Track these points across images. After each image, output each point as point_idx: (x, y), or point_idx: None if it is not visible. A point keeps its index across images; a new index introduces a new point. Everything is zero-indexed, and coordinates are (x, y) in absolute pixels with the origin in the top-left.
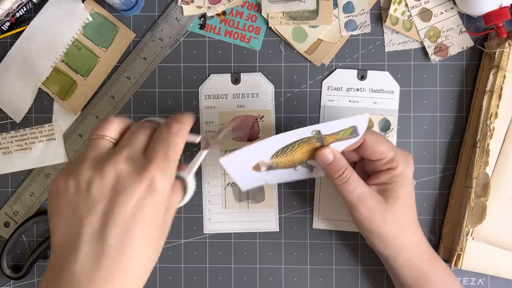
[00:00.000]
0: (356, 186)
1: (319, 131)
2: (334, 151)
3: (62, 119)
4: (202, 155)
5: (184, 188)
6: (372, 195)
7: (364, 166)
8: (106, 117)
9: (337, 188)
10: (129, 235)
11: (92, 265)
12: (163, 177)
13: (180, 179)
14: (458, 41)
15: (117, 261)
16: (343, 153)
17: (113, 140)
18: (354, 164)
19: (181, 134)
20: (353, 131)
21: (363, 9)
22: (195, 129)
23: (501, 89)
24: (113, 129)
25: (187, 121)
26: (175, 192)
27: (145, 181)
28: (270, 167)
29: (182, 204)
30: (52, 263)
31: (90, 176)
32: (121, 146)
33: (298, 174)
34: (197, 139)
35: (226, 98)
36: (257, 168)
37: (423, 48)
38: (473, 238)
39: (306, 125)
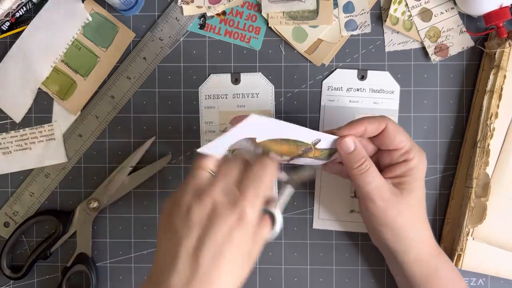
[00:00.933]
0: (374, 177)
1: (317, 141)
2: (355, 140)
3: (62, 119)
4: (288, 192)
5: (273, 221)
6: (388, 187)
7: (379, 159)
8: (208, 155)
9: (354, 178)
10: (219, 258)
11: (187, 279)
12: (252, 211)
13: (268, 214)
14: (458, 41)
15: (208, 278)
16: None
17: (212, 172)
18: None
19: (271, 170)
20: (329, 156)
21: (363, 9)
22: (194, 129)
23: (501, 89)
24: (211, 162)
25: (275, 162)
26: (264, 225)
27: (236, 213)
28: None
29: (271, 238)
30: (153, 273)
31: (190, 203)
32: (217, 179)
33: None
34: (283, 177)
35: (226, 98)
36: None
37: (423, 48)
38: (473, 238)
39: (306, 126)
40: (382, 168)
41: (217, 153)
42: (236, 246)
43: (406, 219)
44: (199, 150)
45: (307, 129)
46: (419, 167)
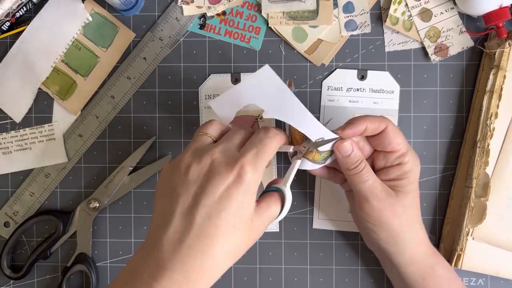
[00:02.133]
0: (369, 177)
1: (320, 140)
2: (353, 143)
3: (62, 119)
4: (295, 165)
5: (282, 201)
6: (383, 188)
7: (374, 161)
8: (210, 120)
9: (350, 178)
10: (213, 217)
11: (178, 238)
12: (252, 171)
13: (278, 192)
14: (458, 41)
15: (200, 238)
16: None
17: (213, 138)
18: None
19: (276, 138)
20: (325, 159)
21: (363, 9)
22: (194, 129)
23: (501, 89)
24: (214, 129)
25: (284, 133)
26: (272, 203)
27: (235, 171)
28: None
29: (281, 217)
30: (148, 235)
31: (190, 162)
32: (219, 142)
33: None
34: (290, 148)
35: None
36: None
37: (423, 48)
38: (473, 238)
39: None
40: (377, 171)
41: (227, 111)
42: (235, 207)
43: (400, 221)
44: (210, 102)
45: (315, 120)
46: (413, 170)
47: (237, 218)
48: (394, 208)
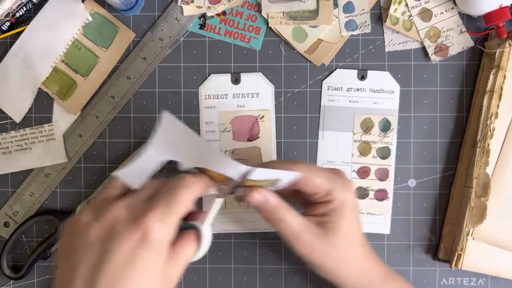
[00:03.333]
0: (290, 223)
1: (245, 175)
2: (265, 193)
3: (62, 119)
4: (218, 204)
5: (199, 240)
6: (309, 230)
7: (302, 195)
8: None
9: (271, 223)
10: (119, 284)
11: None
12: (160, 227)
13: (195, 231)
14: (458, 41)
15: None
16: None
17: (121, 191)
18: (292, 193)
19: (192, 188)
20: (276, 183)
21: (363, 9)
22: (194, 129)
23: (501, 89)
24: (125, 181)
25: (204, 181)
26: (188, 247)
27: (140, 229)
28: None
29: (196, 258)
30: None
31: (89, 219)
32: (125, 196)
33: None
34: (211, 191)
35: (226, 98)
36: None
37: (423, 48)
38: (473, 238)
39: (306, 126)
40: (307, 205)
41: (137, 179)
42: (142, 270)
43: (334, 260)
44: (114, 174)
45: (231, 161)
46: (343, 205)
47: (146, 279)
48: (324, 249)
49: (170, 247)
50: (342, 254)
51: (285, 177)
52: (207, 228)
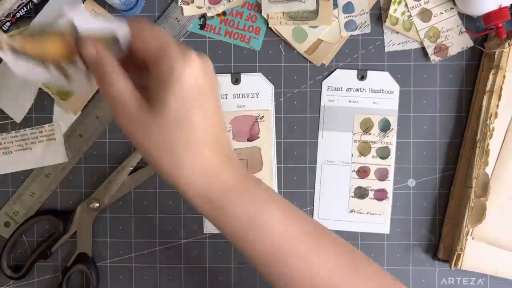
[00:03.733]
0: (116, 87)
1: (72, 23)
2: (98, 45)
3: (62, 119)
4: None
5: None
6: (135, 100)
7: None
8: None
9: (98, 87)
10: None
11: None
12: None
13: None
14: (458, 41)
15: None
16: None
17: None
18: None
19: None
20: (112, 44)
21: (363, 10)
22: None
23: (501, 89)
24: None
25: None
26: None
27: None
28: (15, 50)
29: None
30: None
31: None
32: None
33: (51, 78)
34: None
35: (226, 98)
36: None
37: (423, 48)
38: (473, 238)
39: (306, 126)
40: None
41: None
42: None
43: (160, 142)
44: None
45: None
46: (177, 76)
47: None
48: (148, 125)
49: None
50: (170, 139)
51: (115, 29)
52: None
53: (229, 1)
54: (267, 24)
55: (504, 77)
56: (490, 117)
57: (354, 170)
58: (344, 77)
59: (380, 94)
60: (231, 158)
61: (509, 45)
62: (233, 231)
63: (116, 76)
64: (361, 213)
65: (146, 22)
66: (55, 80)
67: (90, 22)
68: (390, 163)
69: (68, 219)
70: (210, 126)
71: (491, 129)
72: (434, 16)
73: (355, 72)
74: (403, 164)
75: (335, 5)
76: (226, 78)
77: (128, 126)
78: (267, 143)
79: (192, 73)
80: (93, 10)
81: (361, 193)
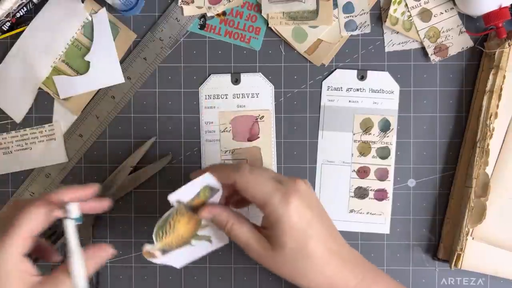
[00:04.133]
0: (240, 235)
1: (179, 201)
2: (211, 209)
3: (62, 119)
4: (67, 229)
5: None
6: (259, 242)
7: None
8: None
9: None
10: None
11: None
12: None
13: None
14: (458, 41)
15: None
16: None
17: None
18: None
19: (31, 213)
20: (212, 189)
21: (363, 9)
22: (194, 129)
23: (501, 89)
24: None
25: (44, 199)
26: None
27: None
28: (164, 250)
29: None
30: None
31: None
32: None
33: (199, 249)
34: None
35: (226, 98)
36: (150, 255)
37: (423, 48)
38: (473, 238)
39: (306, 126)
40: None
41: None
42: None
43: (288, 274)
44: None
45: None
46: (283, 220)
47: None
48: (275, 260)
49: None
50: (295, 270)
51: (206, 181)
52: (76, 266)
53: (229, 1)
54: (267, 24)
55: (504, 77)
56: (490, 117)
57: (354, 170)
58: (344, 77)
59: (380, 94)
60: (351, 262)
61: (509, 45)
62: None
63: (237, 228)
64: (361, 213)
65: (243, 167)
66: (203, 247)
67: (187, 191)
68: (390, 163)
69: None
70: (326, 243)
71: (491, 129)
72: (434, 16)
73: (355, 72)
74: (403, 164)
75: (335, 5)
76: (226, 78)
77: (259, 260)
78: (267, 143)
79: (295, 211)
80: (92, 9)
81: (361, 193)
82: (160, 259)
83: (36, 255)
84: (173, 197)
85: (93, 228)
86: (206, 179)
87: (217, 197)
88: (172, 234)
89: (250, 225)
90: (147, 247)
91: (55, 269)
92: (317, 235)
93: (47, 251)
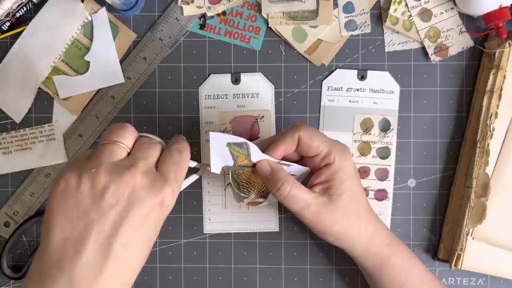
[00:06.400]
0: (297, 198)
1: (224, 167)
2: (271, 163)
3: (62, 119)
4: (193, 178)
5: None
6: (315, 201)
7: (305, 164)
8: (123, 125)
9: (278, 199)
10: (132, 246)
11: (94, 271)
12: (173, 196)
13: None
14: (458, 41)
15: (118, 269)
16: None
17: (128, 150)
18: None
19: (187, 160)
20: (238, 144)
21: (363, 9)
22: (194, 129)
23: (501, 89)
24: (129, 138)
25: (188, 147)
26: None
27: (159, 197)
28: (259, 196)
29: None
30: (43, 260)
31: (107, 181)
32: (137, 159)
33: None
34: (193, 164)
35: (226, 98)
36: (254, 204)
37: (423, 48)
38: (473, 238)
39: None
40: (313, 171)
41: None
42: (151, 231)
43: (342, 225)
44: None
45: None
46: (343, 168)
47: (152, 238)
48: (332, 215)
49: None
50: (350, 217)
51: (224, 140)
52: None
53: (229, 1)
54: (267, 24)
55: (504, 77)
56: (491, 117)
57: None
58: (344, 77)
59: (380, 94)
60: (383, 224)
61: (509, 45)
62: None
63: (296, 192)
64: None
65: (314, 129)
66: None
67: (217, 156)
68: (390, 163)
69: None
70: (365, 196)
71: (491, 129)
72: (434, 16)
73: (355, 72)
74: (403, 164)
75: (335, 5)
76: (226, 78)
77: (317, 218)
78: None
79: (352, 163)
80: (92, 9)
81: None
82: (264, 202)
83: None
84: (215, 168)
85: None
86: (213, 139)
87: (254, 149)
88: (253, 187)
89: (302, 187)
90: (247, 200)
91: None
92: (363, 191)
93: None
